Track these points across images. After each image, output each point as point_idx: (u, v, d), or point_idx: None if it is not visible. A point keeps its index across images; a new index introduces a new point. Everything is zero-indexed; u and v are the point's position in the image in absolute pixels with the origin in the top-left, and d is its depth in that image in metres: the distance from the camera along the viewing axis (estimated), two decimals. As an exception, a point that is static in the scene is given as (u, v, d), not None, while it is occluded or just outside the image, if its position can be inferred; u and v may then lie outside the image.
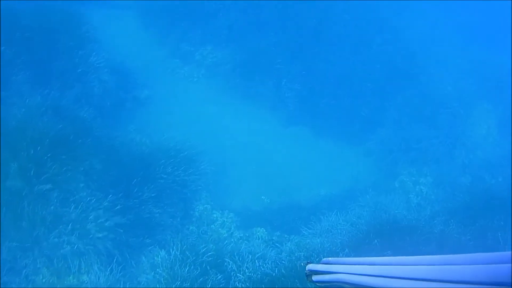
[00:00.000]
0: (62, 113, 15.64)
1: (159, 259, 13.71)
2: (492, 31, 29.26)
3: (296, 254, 13.65)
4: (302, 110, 21.83)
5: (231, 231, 16.60)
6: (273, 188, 18.91)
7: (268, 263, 13.38)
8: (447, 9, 29.37)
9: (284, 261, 13.48)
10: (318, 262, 4.36)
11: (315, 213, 17.24)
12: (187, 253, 13.55)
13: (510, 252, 2.62)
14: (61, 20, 18.28)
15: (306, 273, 4.37)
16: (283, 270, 12.74)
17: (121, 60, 20.47)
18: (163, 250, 14.10)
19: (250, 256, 13.71)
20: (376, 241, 13.80)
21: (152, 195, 15.29)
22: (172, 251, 13.69)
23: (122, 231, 13.96)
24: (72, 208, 13.39)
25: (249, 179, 19.02)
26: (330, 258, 4.24)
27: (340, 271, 3.85)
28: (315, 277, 4.21)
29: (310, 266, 4.41)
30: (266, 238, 16.22)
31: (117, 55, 20.34)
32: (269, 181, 19.16)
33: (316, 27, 22.61)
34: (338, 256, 10.36)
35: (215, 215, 17.01)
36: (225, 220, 16.94)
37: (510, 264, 2.54)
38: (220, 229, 16.53)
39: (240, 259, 13.60)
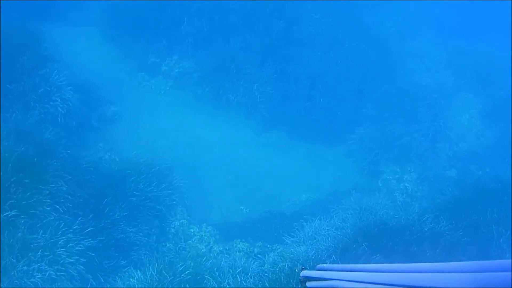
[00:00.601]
0: (24, 135, 14.84)
1: (135, 281, 12.89)
2: (466, 21, 28.63)
3: (279, 265, 12.87)
4: (276, 115, 21.16)
5: (210, 245, 15.80)
6: (252, 197, 18.19)
7: (251, 277, 12.72)
8: (419, 1, 28.69)
9: (267, 273, 12.77)
10: (313, 269, 4.56)
11: (298, 220, 16.43)
12: (164, 272, 12.81)
13: (509, 260, 2.75)
14: (18, 40, 17.47)
15: (300, 279, 4.54)
16: (266, 284, 12.05)
17: (85, 77, 19.61)
18: (138, 271, 13.27)
19: (231, 271, 12.97)
20: (364, 245, 13.00)
21: (125, 214, 14.57)
22: (148, 271, 12.89)
23: (93, 254, 13.10)
24: (40, 233, 12.59)
25: (226, 190, 18.27)
26: (324, 265, 4.60)
27: (334, 277, 4.03)
28: (309, 284, 4.39)
29: (305, 273, 4.59)
30: (247, 250, 15.46)
31: (80, 73, 19.51)
32: (247, 190, 18.43)
33: (285, 28, 21.93)
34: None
35: (192, 230, 16.18)
36: (203, 234, 16.11)
37: (510, 272, 2.63)
38: (198, 244, 15.73)
39: (221, 275, 12.86)
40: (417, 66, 23.94)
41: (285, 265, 12.70)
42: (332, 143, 21.09)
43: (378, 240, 13.29)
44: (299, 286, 4.53)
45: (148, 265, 13.29)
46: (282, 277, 12.03)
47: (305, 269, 4.86)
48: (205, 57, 21.62)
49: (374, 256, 12.53)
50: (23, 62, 17.19)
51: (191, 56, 22.01)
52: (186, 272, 12.87)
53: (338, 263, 12.18)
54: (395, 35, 25.29)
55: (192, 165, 18.44)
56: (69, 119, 17.60)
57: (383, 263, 11.64)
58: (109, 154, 17.48)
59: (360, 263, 10.39)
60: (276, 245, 15.89)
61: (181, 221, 16.34)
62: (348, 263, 10.69)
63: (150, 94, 21.42)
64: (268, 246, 15.96)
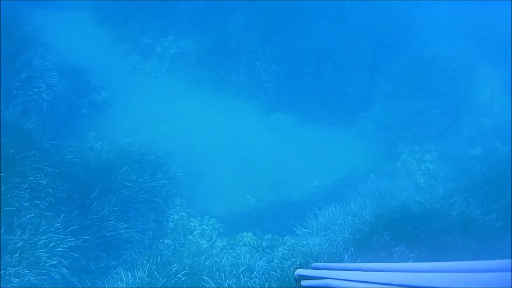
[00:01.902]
0: (4, 126, 13.49)
1: (123, 284, 11.32)
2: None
3: (289, 261, 11.32)
4: (283, 95, 19.61)
5: (213, 240, 14.22)
6: (259, 185, 16.67)
7: (256, 277, 11.22)
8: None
9: (276, 271, 11.29)
10: (308, 267, 4.40)
11: (310, 208, 15.00)
12: (156, 273, 11.24)
13: (509, 260, 2.55)
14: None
15: (295, 278, 4.36)
16: (273, 284, 10.48)
17: (73, 62, 18.13)
18: (128, 272, 11.71)
19: (234, 270, 11.45)
20: (386, 234, 11.41)
21: (115, 208, 13.08)
22: (138, 273, 11.30)
23: (78, 255, 11.62)
24: (18, 234, 11.13)
25: (230, 178, 16.80)
26: (319, 264, 4.40)
27: (329, 276, 3.87)
28: (304, 282, 4.25)
29: (299, 271, 4.36)
30: (255, 244, 13.88)
31: (67, 57, 17.99)
32: (254, 177, 16.93)
33: (289, 0, 20.12)
34: (343, 259, 10.11)
35: (192, 224, 14.63)
36: (205, 228, 14.54)
37: (510, 272, 2.51)
38: (199, 239, 14.16)
39: (221, 275, 11.33)
40: (433, 37, 22.04)
41: (296, 260, 11.16)
42: (344, 123, 19.51)
43: (402, 229, 11.71)
44: (295, 285, 4.31)
45: (139, 265, 11.83)
46: (292, 275, 10.48)
47: (300, 267, 4.58)
48: (203, 35, 20.19)
49: (398, 247, 10.96)
50: (2, 47, 15.70)
51: (188, 35, 20.58)
52: (182, 273, 11.33)
53: (357, 257, 10.75)
54: (408, 3, 23.40)
55: (191, 152, 16.98)
56: (55, 107, 16.25)
57: (408, 254, 10.17)
58: (100, 143, 16.16)
59: (383, 256, 8.89)
60: (287, 237, 14.39)
61: (180, 213, 14.80)
62: (369, 255, 9.55)
63: (145, 77, 20.02)
64: (278, 238, 14.42)
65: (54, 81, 15.99)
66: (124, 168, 14.02)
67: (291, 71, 19.57)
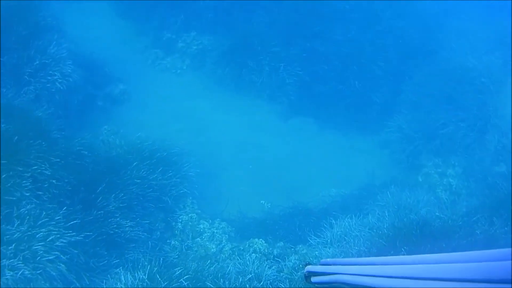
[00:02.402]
0: (12, 112, 13.00)
1: (122, 285, 10.75)
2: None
3: (299, 273, 10.65)
4: (304, 99, 19.00)
5: (222, 244, 13.58)
6: (274, 190, 16.11)
7: (263, 286, 10.46)
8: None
9: (284, 282, 10.58)
10: (317, 264, 5.35)
11: (325, 218, 14.30)
12: (158, 276, 10.58)
13: (509, 249, 3.04)
14: (11, 8, 15.37)
15: (304, 274, 5.29)
16: (281, 296, 9.81)
17: (90, 52, 17.62)
18: (128, 273, 11.13)
19: (240, 278, 10.75)
20: (403, 250, 10.71)
21: (122, 205, 12.47)
22: (139, 274, 10.71)
23: (77, 251, 11.08)
24: (16, 225, 10.60)
25: (245, 181, 16.26)
26: (328, 259, 5.39)
27: (339, 271, 4.45)
28: (314, 279, 4.96)
29: (309, 268, 5.35)
30: (266, 251, 13.23)
31: (84, 47, 17.52)
32: (269, 182, 16.40)
33: (315, 1, 19.56)
34: None
35: (202, 226, 14.03)
36: (215, 231, 13.94)
37: (510, 261, 2.90)
38: (208, 243, 13.54)
39: (226, 282, 10.64)
40: (462, 47, 21.26)
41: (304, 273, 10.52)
42: (366, 132, 18.98)
43: (421, 244, 11.01)
44: (304, 281, 4.89)
45: (140, 266, 11.25)
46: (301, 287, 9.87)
47: (309, 264, 5.49)
48: (226, 33, 19.58)
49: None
50: (17, 32, 15.26)
51: (210, 32, 19.97)
52: (185, 277, 10.69)
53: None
54: (437, 11, 22.82)
55: (206, 152, 16.48)
56: (69, 97, 15.79)
57: None
58: (113, 137, 15.60)
59: None
60: (300, 246, 13.63)
61: (190, 215, 14.22)
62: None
63: (165, 73, 19.49)
64: (291, 247, 13.66)
65: (69, 70, 15.45)
66: (134, 163, 13.50)
67: (314, 75, 18.94)
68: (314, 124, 18.77)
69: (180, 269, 10.88)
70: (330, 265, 4.87)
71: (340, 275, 4.35)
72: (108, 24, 19.91)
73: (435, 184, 16.97)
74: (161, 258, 11.77)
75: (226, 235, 13.97)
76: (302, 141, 18.09)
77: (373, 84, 19.17)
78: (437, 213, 13.03)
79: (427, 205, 14.03)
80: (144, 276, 10.62)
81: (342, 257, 11.15)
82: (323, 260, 5.13)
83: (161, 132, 15.79)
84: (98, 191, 12.38)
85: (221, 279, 10.74)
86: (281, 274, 11.23)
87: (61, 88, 15.14)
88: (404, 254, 10.52)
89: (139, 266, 11.07)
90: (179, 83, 19.12)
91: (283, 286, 10.43)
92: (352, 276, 4.16)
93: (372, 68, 19.12)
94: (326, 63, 18.91)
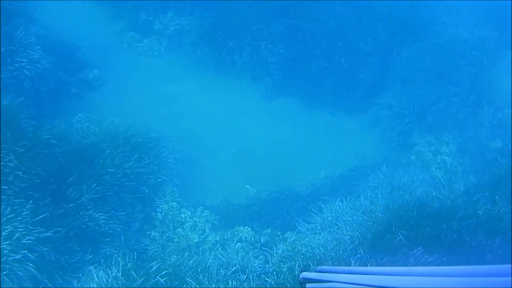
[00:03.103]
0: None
1: (95, 284, 9.89)
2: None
3: (287, 264, 9.82)
4: (289, 78, 18.12)
5: (205, 234, 12.81)
6: (260, 174, 15.36)
7: (248, 280, 9.62)
8: None
9: (272, 275, 9.69)
10: (313, 270, 4.89)
11: (314, 202, 13.65)
12: (133, 273, 9.74)
13: (509, 265, 2.96)
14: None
15: (300, 281, 4.65)
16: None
17: (61, 37, 16.72)
18: (101, 270, 10.33)
19: (223, 271, 9.95)
20: (400, 234, 9.88)
21: (94, 196, 11.70)
22: (112, 271, 9.86)
23: (47, 248, 10.27)
24: (-24, 224, 9.61)
25: (228, 166, 15.48)
26: (324, 267, 5.05)
27: (335, 279, 4.21)
28: (309, 285, 4.46)
29: (305, 274, 4.75)
30: (252, 239, 12.54)
31: (54, 31, 16.63)
32: (254, 166, 15.65)
33: (297, -25, 18.61)
34: (350, 263, 9.23)
35: (183, 215, 13.23)
36: (197, 220, 13.13)
37: (510, 278, 2.85)
38: (190, 233, 12.74)
39: (208, 277, 9.82)
40: (453, 20, 20.39)
41: (295, 264, 9.63)
42: (355, 111, 18.10)
43: (419, 228, 10.17)
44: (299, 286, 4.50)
45: (114, 262, 10.42)
46: (289, 280, 9.03)
47: (305, 270, 6.05)
48: (204, 12, 18.67)
49: (415, 250, 9.45)
50: (-21, 18, 14.33)
51: (188, 12, 19.06)
52: (162, 273, 9.87)
53: (367, 260, 9.45)
54: (426, -17, 21.86)
55: (186, 136, 15.66)
56: (40, 85, 14.89)
57: (426, 258, 8.76)
58: (87, 124, 14.79)
59: (397, 259, 8.50)
60: (288, 233, 13.12)
61: (170, 204, 13.42)
62: (381, 258, 9.13)
63: (141, 56, 18.52)
64: (279, 234, 13.16)
65: (38, 57, 14.60)
66: (107, 151, 12.64)
67: (298, 54, 18.04)
68: (300, 104, 17.94)
69: (157, 263, 10.07)
70: (326, 272, 4.60)
71: (336, 283, 4.18)
72: (81, 7, 18.90)
73: (428, 162, 16.18)
74: (135, 253, 10.93)
75: (210, 224, 13.21)
76: (288, 122, 17.28)
77: (360, 61, 18.27)
78: (433, 193, 12.24)
79: (422, 185, 13.29)
80: (118, 273, 9.77)
81: (334, 244, 10.32)
82: (319, 267, 4.77)
83: (138, 118, 14.93)
84: (68, 182, 11.63)
85: (201, 274, 9.95)
86: (267, 266, 10.37)
87: (30, 75, 14.32)
88: (401, 239, 9.72)
89: (113, 263, 10.23)
90: (156, 66, 18.26)
91: (269, 281, 9.52)
92: (348, 285, 4.03)
93: (359, 44, 18.26)
94: (310, 41, 18.03)
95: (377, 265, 9.01)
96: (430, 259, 9.32)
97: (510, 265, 2.99)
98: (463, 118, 17.04)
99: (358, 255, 9.36)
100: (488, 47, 18.47)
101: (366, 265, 9.01)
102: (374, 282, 3.78)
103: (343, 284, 4.13)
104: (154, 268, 9.93)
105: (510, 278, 2.85)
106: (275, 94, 18.05)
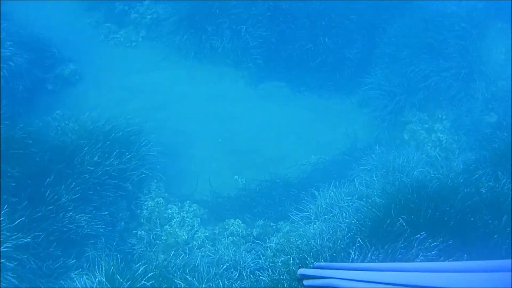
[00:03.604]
0: None
1: (77, 291, 9.29)
2: None
3: (282, 259, 9.18)
4: (273, 62, 17.51)
5: (194, 230, 12.19)
6: (248, 163, 14.83)
7: (242, 278, 9.02)
8: None
9: (266, 272, 9.09)
10: (310, 267, 5.08)
11: (307, 189, 13.18)
12: (118, 277, 9.09)
13: (509, 260, 2.91)
14: None
15: (297, 277, 5.06)
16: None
17: (34, 32, 16.03)
18: (84, 275, 9.72)
19: (214, 270, 9.28)
20: (401, 219, 9.25)
21: (74, 197, 11.00)
22: (96, 276, 9.23)
23: (26, 255, 9.66)
24: None
25: (215, 157, 14.86)
26: (322, 263, 5.70)
27: (332, 276, 4.30)
28: (306, 282, 4.71)
29: (302, 271, 5.04)
30: (244, 232, 12.01)
31: (26, 26, 16.04)
32: (242, 155, 15.07)
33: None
34: (349, 254, 8.67)
35: (170, 211, 12.59)
36: (185, 215, 12.49)
37: (510, 272, 2.80)
38: (177, 230, 12.11)
39: (198, 276, 9.17)
40: (440, -9, 19.88)
41: (290, 258, 8.99)
42: (343, 91, 17.50)
43: (420, 211, 9.52)
44: (297, 284, 5.32)
45: (97, 267, 9.70)
46: (284, 276, 8.41)
47: (302, 267, 5.30)
48: (181, -2, 17.87)
49: (418, 235, 8.81)
50: None
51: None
52: (149, 275, 9.22)
53: (368, 249, 8.77)
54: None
55: (168, 128, 15.10)
56: (13, 83, 14.24)
57: (431, 243, 8.20)
58: (66, 122, 13.87)
59: (400, 246, 8.21)
60: (281, 222, 12.63)
61: (156, 200, 12.77)
62: (383, 246, 8.57)
63: (119, 47, 17.87)
64: (271, 225, 12.65)
65: (8, 53, 13.95)
66: (86, 148, 11.96)
67: (281, 36, 17.41)
68: (285, 88, 17.35)
69: (143, 265, 9.41)
70: (324, 268, 4.72)
71: (334, 279, 4.21)
72: (51, 1, 18.23)
73: (423, 141, 15.64)
74: (122, 254, 10.53)
75: (198, 219, 12.59)
76: (274, 108, 16.68)
77: (345, 40, 17.61)
78: (432, 173, 11.68)
79: (419, 165, 12.75)
80: (102, 278, 9.13)
81: (331, 234, 9.71)
82: (316, 264, 5.02)
83: (117, 111, 14.29)
84: (46, 183, 10.95)
85: (189, 274, 9.30)
86: (261, 261, 9.76)
87: (2, 74, 13.66)
88: (402, 224, 9.10)
89: (96, 267, 9.59)
90: (135, 56, 17.61)
91: (263, 279, 8.89)
92: (345, 281, 4.08)
93: (343, 22, 17.57)
94: (293, 22, 17.39)
95: (378, 254, 8.40)
96: (435, 243, 8.70)
97: (510, 260, 2.94)
98: (455, 93, 16.48)
99: (357, 244, 8.73)
100: (476, 19, 17.83)
101: (367, 255, 8.40)
102: (371, 277, 3.79)
103: (341, 280, 4.18)
104: (140, 270, 9.30)
105: (510, 273, 2.81)
106: (260, 79, 17.45)
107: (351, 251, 8.57)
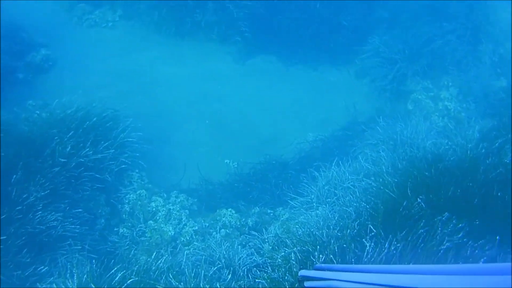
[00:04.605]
0: None
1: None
2: None
3: (283, 253, 7.90)
4: (262, 34, 16.28)
5: (182, 223, 10.95)
6: (240, 146, 13.57)
7: (236, 279, 7.80)
8: None
9: (264, 270, 7.86)
10: (311, 268, 5.35)
11: (306, 170, 11.97)
12: (92, 285, 7.83)
13: (509, 264, 2.95)
14: None
15: (298, 279, 5.11)
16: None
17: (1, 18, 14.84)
18: (54, 284, 8.48)
19: (203, 272, 7.99)
20: (419, 199, 7.95)
21: (43, 193, 9.79)
22: (68, 285, 8.02)
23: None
24: None
25: (203, 140, 13.61)
26: (323, 264, 5.50)
27: (334, 277, 4.27)
28: (307, 283, 4.66)
29: (303, 272, 5.00)
30: (238, 223, 10.82)
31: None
32: (232, 137, 13.82)
33: None
34: (363, 245, 7.55)
35: (154, 204, 11.34)
36: (171, 208, 11.26)
37: (510, 276, 2.85)
38: (163, 225, 10.84)
39: (185, 280, 7.89)
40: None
41: (291, 252, 7.68)
42: (339, 62, 16.24)
43: (440, 189, 8.25)
44: (298, 286, 4.99)
45: (69, 273, 8.47)
46: (285, 275, 7.13)
47: (303, 268, 5.80)
48: (159, -29, 16.68)
49: (440, 216, 7.54)
50: None
51: (142, -27, 17.07)
52: (128, 282, 7.98)
53: (385, 238, 7.50)
54: None
55: (150, 112, 13.83)
56: (-18, 73, 12.87)
57: (456, 225, 6.99)
58: (38, 112, 12.61)
59: (421, 232, 7.25)
60: (280, 209, 11.41)
61: (138, 192, 11.54)
62: (401, 232, 7.45)
63: (94, 29, 16.72)
64: (269, 212, 11.43)
65: (-26, 41, 12.79)
66: (56, 138, 10.73)
67: (269, 5, 16.22)
68: (277, 63, 16.17)
69: (121, 270, 8.13)
70: (325, 270, 4.63)
71: (335, 281, 4.19)
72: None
73: (429, 111, 14.42)
74: (100, 257, 9.26)
75: (186, 211, 11.37)
76: (266, 84, 15.50)
77: (339, 5, 16.44)
78: (447, 144, 10.41)
79: (429, 136, 11.60)
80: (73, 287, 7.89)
81: (337, 220, 8.42)
82: (317, 265, 4.82)
83: (94, 96, 13.00)
84: (12, 181, 9.79)
85: (176, 278, 8.01)
86: (258, 256, 8.51)
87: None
88: (422, 206, 7.79)
89: (68, 274, 8.36)
90: (112, 37, 16.50)
91: (261, 282, 7.59)
92: (347, 283, 4.03)
93: (336, -13, 16.36)
94: (281, -11, 16.11)
95: (396, 243, 7.10)
96: (461, 225, 7.41)
97: (510, 264, 2.92)
98: (461, 57, 15.33)
99: (372, 233, 7.43)
100: (481, -25, 16.54)
101: (384, 245, 7.09)
102: (373, 280, 3.74)
103: (342, 282, 4.14)
104: (117, 277, 8.03)
105: (510, 276, 2.79)
106: (248, 54, 16.28)
107: (365, 241, 7.28)
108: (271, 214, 11.18)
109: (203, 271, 8.04)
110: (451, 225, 7.40)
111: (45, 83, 14.62)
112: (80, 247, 9.67)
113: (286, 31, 16.20)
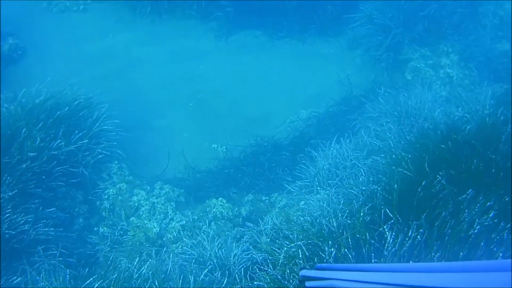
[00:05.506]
0: None
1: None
2: None
3: (285, 248, 6.86)
4: (245, 8, 15.38)
5: (168, 218, 9.97)
6: (228, 128, 12.72)
7: (230, 282, 6.84)
8: None
9: (263, 268, 6.89)
10: (312, 268, 4.98)
11: (302, 149, 11.13)
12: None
13: (509, 260, 2.89)
14: None
15: (299, 279, 5.01)
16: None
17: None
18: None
19: (192, 277, 6.95)
20: (439, 176, 6.90)
21: (11, 193, 8.79)
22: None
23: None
24: None
25: (187, 125, 12.71)
26: (324, 264, 5.05)
27: (335, 277, 4.29)
28: (308, 283, 4.72)
29: (304, 272, 5.02)
30: (229, 214, 9.86)
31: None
32: (219, 120, 12.92)
33: None
34: (383, 235, 6.60)
35: (136, 198, 10.34)
36: (156, 201, 10.25)
37: (510, 272, 2.79)
38: (147, 222, 9.82)
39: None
40: None
41: (291, 247, 6.62)
42: (329, 33, 15.37)
43: (461, 163, 7.23)
44: (300, 286, 4.77)
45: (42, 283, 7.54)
46: (288, 276, 6.08)
47: (304, 268, 5.25)
48: None
49: (464, 194, 6.49)
50: None
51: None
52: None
53: (404, 224, 6.53)
54: None
55: (127, 98, 12.94)
56: None
57: (484, 203, 6.05)
58: (6, 105, 11.46)
59: (446, 214, 6.35)
60: (275, 195, 10.47)
61: (118, 185, 10.53)
62: (421, 213, 6.56)
63: (65, 13, 15.87)
64: (263, 198, 10.52)
65: None
66: (24, 131, 9.74)
67: (251, -25, 15.31)
68: (262, 37, 15.30)
69: (97, 280, 7.10)
70: (326, 269, 4.65)
71: (336, 280, 4.19)
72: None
73: (429, 80, 13.50)
74: (100, 254, 8.35)
75: (172, 203, 10.37)
76: (251, 61, 14.60)
77: (325, -29, 15.51)
78: (458, 112, 9.41)
79: (437, 105, 10.73)
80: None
81: (343, 205, 7.40)
82: (318, 265, 4.82)
83: (66, 84, 11.95)
84: (-25, 183, 8.67)
85: (161, 284, 6.98)
86: (255, 252, 7.47)
87: None
88: (443, 184, 6.75)
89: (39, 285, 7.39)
90: (84, 21, 15.66)
91: (260, 283, 6.55)
92: (348, 282, 4.02)
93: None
94: (262, -41, 15.23)
95: (418, 229, 6.04)
96: (489, 203, 6.37)
97: (510, 260, 2.87)
98: (459, 21, 14.51)
99: (391, 222, 6.38)
100: None
101: (407, 233, 6.02)
102: (375, 279, 3.67)
103: (343, 281, 4.10)
104: (96, 286, 7.01)
105: (510, 273, 2.74)
106: (231, 29, 15.45)
107: (382, 230, 6.23)
108: (266, 201, 10.26)
109: (192, 276, 7.01)
110: (478, 204, 6.36)
111: (15, 74, 13.79)
112: (55, 252, 8.63)
113: (271, 2, 15.27)
